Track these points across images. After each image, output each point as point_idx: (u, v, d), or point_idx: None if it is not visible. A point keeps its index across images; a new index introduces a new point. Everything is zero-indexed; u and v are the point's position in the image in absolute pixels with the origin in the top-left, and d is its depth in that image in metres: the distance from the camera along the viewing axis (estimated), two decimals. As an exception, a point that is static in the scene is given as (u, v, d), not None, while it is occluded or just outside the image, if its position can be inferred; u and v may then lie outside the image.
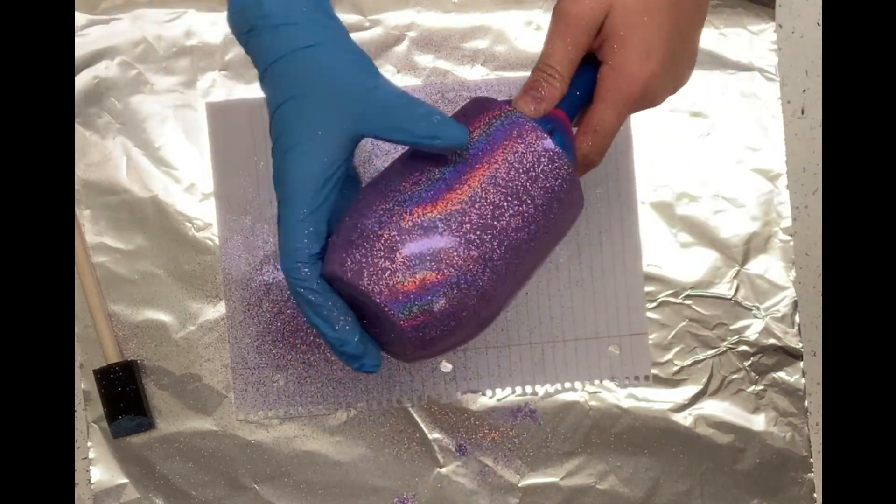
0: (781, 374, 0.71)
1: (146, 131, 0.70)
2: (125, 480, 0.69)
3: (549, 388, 0.71)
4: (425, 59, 0.71)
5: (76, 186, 0.70)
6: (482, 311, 0.52)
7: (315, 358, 0.69)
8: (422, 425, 0.70)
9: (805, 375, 0.72)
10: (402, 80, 0.71)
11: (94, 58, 0.70)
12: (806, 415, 0.71)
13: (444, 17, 0.72)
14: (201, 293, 0.70)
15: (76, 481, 0.69)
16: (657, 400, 0.71)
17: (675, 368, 0.71)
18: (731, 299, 0.72)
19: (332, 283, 0.52)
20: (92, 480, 0.69)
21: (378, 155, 0.70)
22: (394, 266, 0.50)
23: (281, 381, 0.70)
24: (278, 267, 0.69)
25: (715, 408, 0.71)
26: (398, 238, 0.50)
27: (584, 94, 0.55)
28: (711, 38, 0.72)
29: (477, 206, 0.51)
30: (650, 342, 0.71)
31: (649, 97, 0.54)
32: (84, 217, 0.70)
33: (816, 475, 0.71)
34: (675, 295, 0.71)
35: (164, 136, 0.70)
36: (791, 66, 0.73)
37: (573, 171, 0.53)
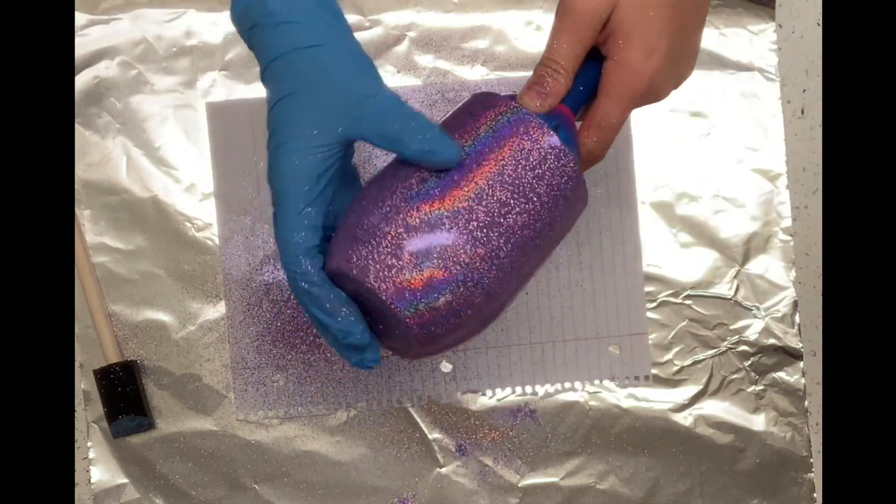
0: (781, 374, 0.72)
1: (146, 131, 0.70)
2: (125, 480, 0.69)
3: (549, 388, 0.71)
4: (425, 59, 0.71)
5: (76, 186, 0.70)
6: (487, 308, 0.52)
7: (315, 358, 0.69)
8: (422, 425, 0.70)
9: (805, 375, 0.72)
10: (401, 80, 0.71)
11: (94, 58, 0.70)
12: (806, 415, 0.71)
13: (444, 17, 0.72)
14: (201, 293, 0.70)
15: (76, 481, 0.69)
16: (657, 400, 0.71)
17: (675, 368, 0.71)
18: (731, 299, 0.72)
19: (335, 279, 0.52)
20: (92, 480, 0.69)
21: (378, 155, 0.70)
22: (400, 263, 0.50)
23: (281, 381, 0.70)
24: (278, 267, 0.69)
25: (715, 408, 0.71)
26: (404, 235, 0.50)
27: (588, 89, 0.55)
28: (711, 38, 0.72)
29: (483, 204, 0.51)
30: (650, 342, 0.71)
31: (653, 92, 0.54)
32: (84, 217, 0.70)
33: (816, 475, 0.71)
34: (675, 295, 0.71)
35: (164, 136, 0.70)
36: (791, 66, 0.73)
37: (578, 167, 0.53)
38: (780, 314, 0.72)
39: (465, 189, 0.51)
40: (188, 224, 0.70)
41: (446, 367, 0.70)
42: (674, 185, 0.72)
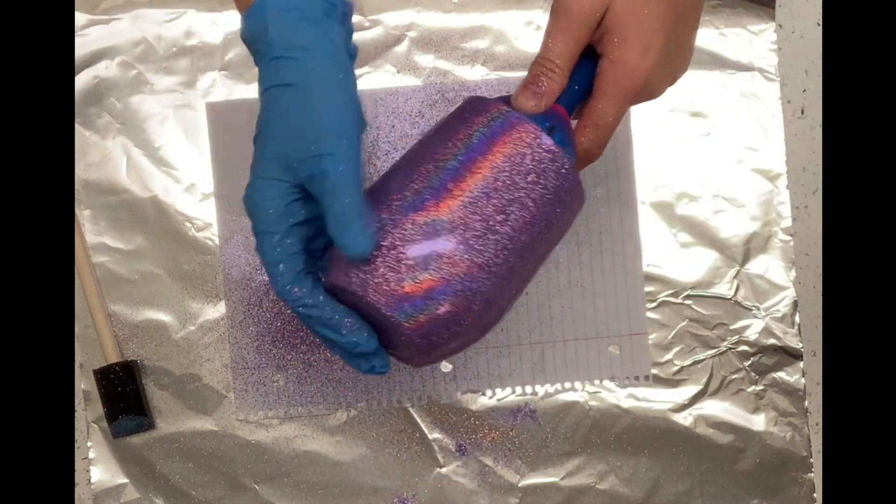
0: (781, 374, 0.71)
1: (146, 131, 0.70)
2: (125, 480, 0.69)
3: (549, 388, 0.71)
4: (425, 59, 0.71)
5: (76, 186, 0.70)
6: (486, 315, 0.52)
7: (315, 358, 0.69)
8: (422, 425, 0.70)
9: (805, 375, 0.72)
10: (402, 80, 0.71)
11: (94, 58, 0.70)
12: (806, 415, 0.71)
13: (444, 17, 0.72)
14: (201, 293, 0.70)
15: (76, 481, 0.69)
16: (657, 400, 0.71)
17: (675, 368, 0.71)
18: (731, 299, 0.72)
19: (334, 292, 0.52)
20: (92, 480, 0.69)
21: (378, 155, 0.70)
22: (397, 274, 0.50)
23: (281, 381, 0.70)
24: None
25: (715, 408, 0.71)
26: (400, 246, 0.50)
27: (583, 88, 0.55)
28: (711, 38, 0.72)
29: (479, 211, 0.51)
30: (650, 342, 0.71)
31: (649, 89, 0.54)
32: (84, 217, 0.70)
33: (816, 475, 0.71)
34: (675, 295, 0.71)
35: (164, 136, 0.70)
36: (791, 66, 0.73)
37: (574, 168, 0.53)
38: (780, 314, 0.72)
39: (461, 197, 0.51)
40: (188, 224, 0.70)
41: (446, 367, 0.70)
42: (674, 185, 0.72)
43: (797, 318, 0.72)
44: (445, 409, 0.70)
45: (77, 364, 0.69)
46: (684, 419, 0.71)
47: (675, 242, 0.72)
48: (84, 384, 0.69)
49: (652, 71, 0.53)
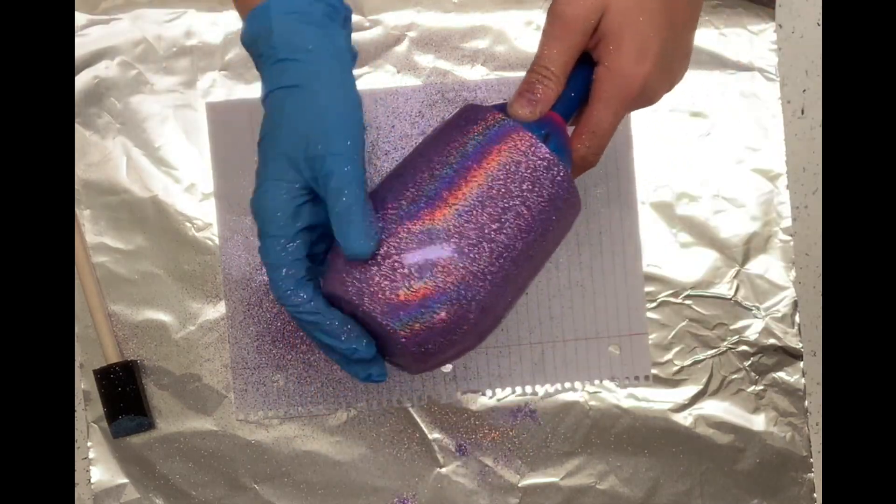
0: (781, 374, 0.71)
1: (146, 131, 0.70)
2: (125, 480, 0.69)
3: (549, 388, 0.71)
4: (425, 59, 0.71)
5: (76, 186, 0.70)
6: (483, 322, 0.52)
7: (315, 358, 0.69)
8: (422, 425, 0.70)
9: (805, 375, 0.72)
10: (401, 80, 0.71)
11: (94, 58, 0.70)
12: (806, 415, 0.71)
13: (444, 17, 0.72)
14: (201, 293, 0.70)
15: (76, 481, 0.69)
16: (657, 400, 0.71)
17: (675, 368, 0.71)
18: (731, 299, 0.72)
19: (331, 300, 0.52)
20: (92, 480, 0.69)
21: (378, 155, 0.70)
22: (393, 283, 0.50)
23: (281, 381, 0.70)
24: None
25: (715, 408, 0.71)
26: (396, 254, 0.50)
27: (579, 95, 0.55)
28: (711, 38, 0.72)
29: (474, 219, 0.51)
30: (650, 342, 0.71)
31: (646, 96, 0.54)
32: (84, 217, 0.70)
33: (816, 475, 0.71)
34: (675, 295, 0.71)
35: (164, 136, 0.70)
36: (791, 66, 0.73)
37: (570, 175, 0.53)
38: (780, 314, 0.72)
39: (456, 206, 0.51)
40: (188, 224, 0.70)
41: (446, 367, 0.70)
42: (674, 185, 0.72)
43: (797, 318, 0.72)
44: (445, 409, 0.70)
45: (77, 364, 0.69)
46: (684, 419, 0.71)
47: (675, 242, 0.72)
48: (84, 384, 0.69)
49: (648, 77, 0.53)
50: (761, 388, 0.71)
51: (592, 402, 0.71)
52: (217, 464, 0.69)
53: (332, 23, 0.53)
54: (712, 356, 0.71)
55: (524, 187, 0.51)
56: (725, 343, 0.71)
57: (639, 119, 0.71)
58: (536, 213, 0.52)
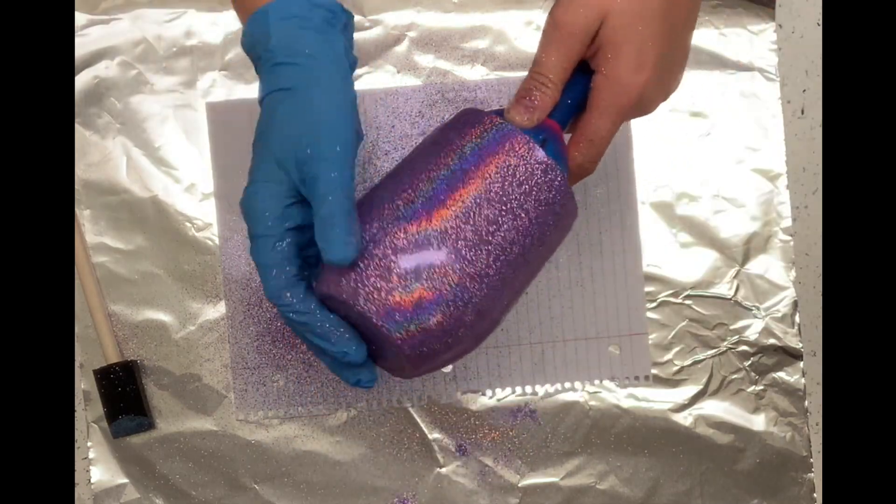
0: (781, 374, 0.71)
1: (146, 131, 0.70)
2: (125, 480, 0.69)
3: (549, 388, 0.71)
4: (425, 59, 0.71)
5: (76, 186, 0.70)
6: (479, 326, 0.52)
7: (315, 358, 0.69)
8: (422, 425, 0.70)
9: (805, 375, 0.72)
10: (401, 80, 0.71)
11: (94, 58, 0.70)
12: (806, 415, 0.71)
13: (444, 17, 0.72)
14: (201, 293, 0.70)
15: (76, 481, 0.69)
16: (657, 400, 0.71)
17: (675, 368, 0.71)
18: (731, 299, 0.72)
19: (326, 301, 0.52)
20: (92, 480, 0.69)
21: (378, 155, 0.70)
22: (389, 285, 0.50)
23: (281, 381, 0.70)
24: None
25: (715, 408, 0.71)
26: (392, 256, 0.50)
27: (576, 102, 0.55)
28: (711, 38, 0.72)
29: (471, 222, 0.51)
30: (650, 342, 0.71)
31: (643, 105, 0.54)
32: (84, 217, 0.70)
33: (816, 475, 0.71)
34: (675, 295, 0.71)
35: (164, 136, 0.70)
36: (791, 66, 0.73)
37: (567, 181, 0.53)
38: (780, 314, 0.72)
39: (453, 208, 0.51)
40: (188, 224, 0.70)
41: (446, 367, 0.70)
42: (674, 185, 0.72)
43: (797, 318, 0.72)
44: (445, 409, 0.70)
45: (77, 364, 0.69)
46: (684, 419, 0.71)
47: (675, 242, 0.72)
48: (84, 384, 0.69)
49: (645, 87, 0.53)
50: (761, 388, 0.71)
51: (592, 402, 0.71)
52: (217, 464, 0.69)
53: (332, 28, 0.53)
54: (712, 356, 0.71)
55: (521, 191, 0.51)
56: (725, 343, 0.71)
57: (639, 119, 0.71)
58: (533, 218, 0.52)
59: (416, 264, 0.50)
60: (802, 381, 0.71)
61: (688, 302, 0.71)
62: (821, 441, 0.72)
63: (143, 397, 0.69)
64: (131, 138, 0.70)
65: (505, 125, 0.52)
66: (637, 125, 0.72)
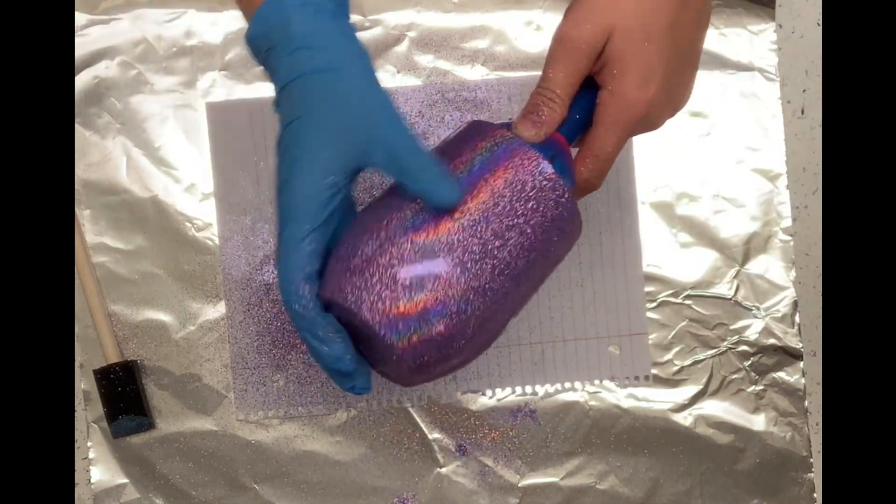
0: (781, 374, 0.72)
1: (146, 131, 0.70)
2: (125, 480, 0.69)
3: (549, 388, 0.71)
4: (425, 59, 0.71)
5: (76, 186, 0.70)
6: (480, 338, 0.52)
7: (315, 358, 0.69)
8: (422, 425, 0.70)
9: (805, 375, 0.72)
10: (402, 81, 0.71)
11: (94, 58, 0.70)
12: (806, 415, 0.71)
13: (444, 17, 0.72)
14: (201, 293, 0.70)
15: (76, 481, 0.69)
16: (657, 400, 0.71)
17: (675, 368, 0.71)
18: (731, 299, 0.72)
19: (329, 307, 0.52)
20: (92, 480, 0.69)
21: (378, 155, 0.70)
22: (393, 294, 0.49)
23: (281, 381, 0.70)
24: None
25: (715, 408, 0.71)
26: (397, 265, 0.50)
27: (583, 118, 0.55)
28: (711, 38, 0.72)
29: (477, 235, 0.51)
30: (650, 342, 0.71)
31: (649, 121, 0.55)
32: (84, 217, 0.70)
33: (816, 475, 0.71)
34: (675, 295, 0.71)
35: (164, 136, 0.70)
36: (791, 66, 0.73)
37: (573, 198, 0.53)
38: (780, 314, 0.72)
39: (459, 220, 0.51)
40: (188, 224, 0.70)
41: (446, 367, 0.70)
42: (674, 185, 0.72)
43: (797, 318, 0.72)
44: (445, 409, 0.70)
45: (77, 364, 0.69)
46: (684, 419, 0.71)
47: (675, 242, 0.72)
48: (84, 384, 0.69)
49: (652, 103, 0.53)
50: (761, 388, 0.71)
51: (592, 402, 0.71)
52: (217, 464, 0.69)
53: (344, 17, 0.53)
54: (712, 356, 0.71)
55: (529, 206, 0.51)
56: (725, 343, 0.71)
57: (639, 119, 0.71)
58: (539, 233, 0.52)
59: (421, 275, 0.50)
60: (802, 381, 0.71)
61: (688, 302, 0.71)
62: (821, 441, 0.72)
63: (143, 397, 0.69)
64: (131, 138, 0.70)
65: (514, 140, 0.53)
66: (637, 125, 0.72)
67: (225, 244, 0.70)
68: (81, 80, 0.70)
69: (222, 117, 0.70)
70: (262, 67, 0.54)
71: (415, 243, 0.50)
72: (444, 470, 0.70)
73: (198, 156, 0.70)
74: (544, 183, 0.52)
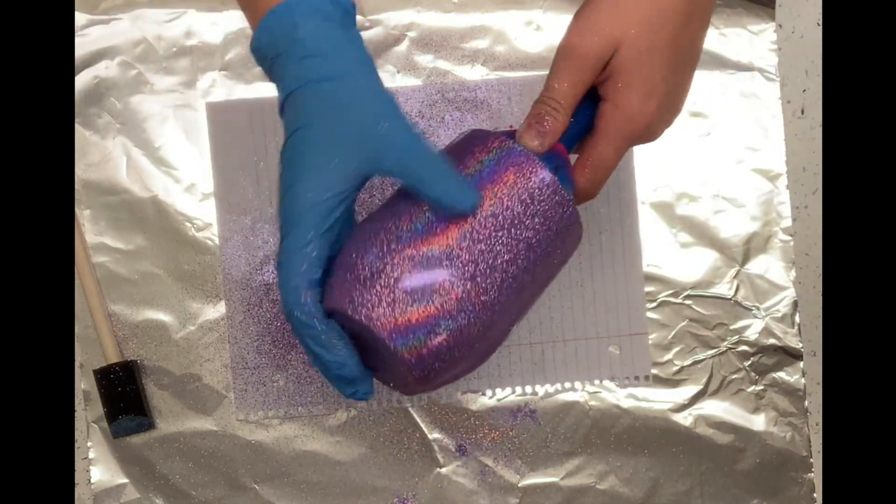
0: (781, 374, 0.72)
1: (146, 131, 0.70)
2: (125, 480, 0.69)
3: (549, 388, 0.71)
4: (425, 59, 0.71)
5: (76, 186, 0.70)
6: (483, 344, 0.52)
7: (315, 358, 0.69)
8: (422, 425, 0.70)
9: (805, 375, 0.72)
10: (402, 81, 0.71)
11: (94, 58, 0.70)
12: (806, 415, 0.71)
13: (444, 17, 0.72)
14: (201, 293, 0.70)
15: (76, 481, 0.69)
16: (657, 400, 0.71)
17: (675, 368, 0.71)
18: (731, 299, 0.72)
19: (332, 316, 0.52)
20: (92, 480, 0.69)
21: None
22: (395, 301, 0.49)
23: (281, 381, 0.70)
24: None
25: (715, 408, 0.71)
26: (401, 274, 0.50)
27: (583, 127, 0.55)
28: (711, 38, 0.72)
29: (480, 242, 0.51)
30: (650, 342, 0.71)
31: (649, 133, 0.55)
32: (84, 217, 0.70)
33: (816, 475, 0.71)
34: (675, 295, 0.71)
35: (164, 136, 0.70)
36: (791, 66, 0.73)
37: (575, 207, 0.53)
38: (780, 314, 0.72)
39: (462, 227, 0.51)
40: (188, 224, 0.70)
41: (446, 367, 0.70)
42: (674, 185, 0.72)
43: (797, 318, 0.72)
44: (445, 409, 0.70)
45: (77, 364, 0.69)
46: (684, 419, 0.71)
47: (675, 242, 0.72)
48: (84, 384, 0.69)
49: (653, 116, 0.54)
50: (761, 388, 0.71)
51: (592, 402, 0.71)
52: (217, 464, 0.69)
53: (351, 26, 0.53)
54: (712, 356, 0.71)
55: (530, 213, 0.52)
56: (725, 343, 0.71)
57: (639, 119, 0.71)
58: (542, 242, 0.52)
59: (424, 283, 0.50)
60: (802, 381, 0.71)
61: (688, 302, 0.71)
62: (821, 441, 0.72)
63: (143, 397, 0.69)
64: (131, 138, 0.70)
65: (514, 147, 0.53)
66: (637, 125, 0.72)
67: (225, 244, 0.70)
68: (81, 80, 0.70)
69: (222, 117, 0.70)
70: (262, 69, 0.54)
71: (417, 251, 0.50)
72: (444, 470, 0.70)
73: (198, 156, 0.70)
74: (548, 192, 0.52)
